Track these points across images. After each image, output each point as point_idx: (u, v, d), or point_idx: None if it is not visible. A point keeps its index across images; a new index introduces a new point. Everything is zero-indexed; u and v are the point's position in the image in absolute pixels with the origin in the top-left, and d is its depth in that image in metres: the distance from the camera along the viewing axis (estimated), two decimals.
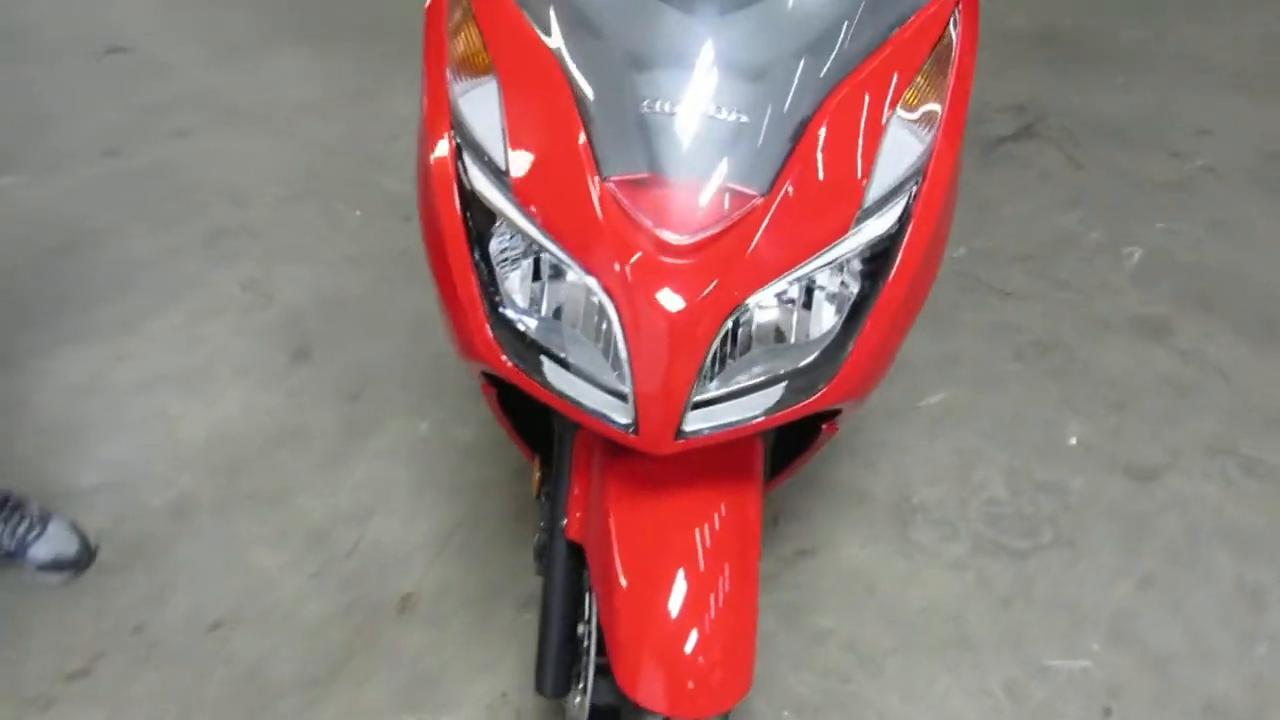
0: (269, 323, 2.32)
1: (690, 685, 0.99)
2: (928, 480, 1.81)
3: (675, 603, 1.02)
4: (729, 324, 0.95)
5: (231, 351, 2.23)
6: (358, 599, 1.63)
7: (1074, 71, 3.25)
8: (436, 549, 1.71)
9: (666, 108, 0.98)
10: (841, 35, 1.05)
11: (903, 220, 1.01)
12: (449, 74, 1.07)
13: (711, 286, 0.93)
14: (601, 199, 0.95)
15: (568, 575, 1.15)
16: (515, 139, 1.00)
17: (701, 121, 0.97)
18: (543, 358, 0.98)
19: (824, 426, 1.36)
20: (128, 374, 2.18)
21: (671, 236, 0.93)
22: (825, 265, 0.97)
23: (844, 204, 0.98)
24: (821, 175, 0.98)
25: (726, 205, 0.95)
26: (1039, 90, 3.14)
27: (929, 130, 1.06)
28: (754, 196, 0.96)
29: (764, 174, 0.97)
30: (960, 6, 1.14)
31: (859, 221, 0.98)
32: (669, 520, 1.08)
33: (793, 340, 1.01)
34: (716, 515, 1.09)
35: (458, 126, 1.03)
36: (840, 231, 0.98)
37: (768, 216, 0.95)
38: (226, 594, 1.64)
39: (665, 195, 0.95)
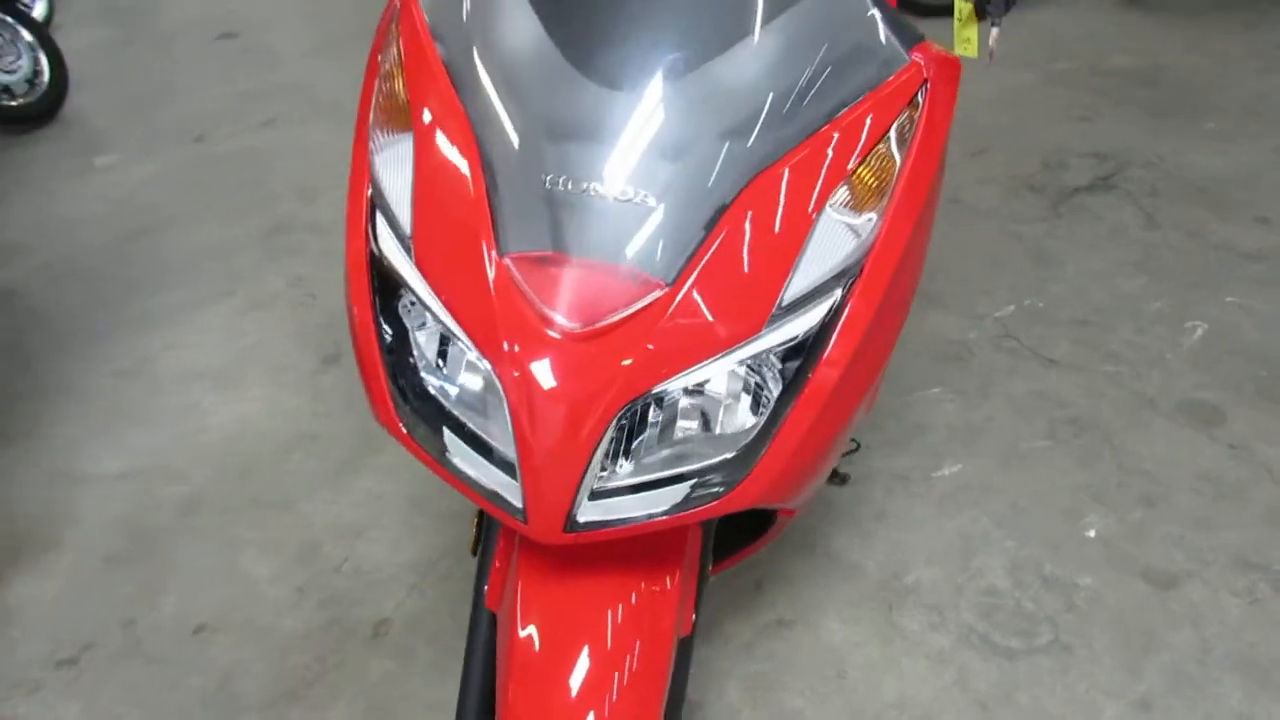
0: (308, 322, 2.40)
1: None
2: (925, 560, 1.73)
3: (575, 681, 1.00)
4: (621, 418, 0.91)
5: (268, 349, 2.32)
6: (335, 618, 1.67)
7: (1170, 119, 3.02)
8: (418, 576, 1.74)
9: (570, 185, 0.94)
10: (779, 115, 0.98)
11: (833, 317, 0.95)
12: (371, 126, 1.06)
13: (605, 377, 0.89)
14: (497, 275, 0.92)
15: (488, 644, 1.15)
16: (421, 204, 0.98)
17: (607, 202, 0.93)
18: (446, 431, 0.96)
19: (779, 512, 1.31)
20: (172, 364, 2.30)
21: (565, 321, 0.90)
22: (737, 363, 0.93)
23: (759, 300, 0.93)
24: (735, 267, 0.93)
25: (627, 293, 0.91)
26: (1127, 137, 2.93)
27: (871, 220, 0.98)
28: (658, 285, 0.91)
29: (670, 262, 0.92)
30: (929, 82, 1.05)
31: (775, 320, 0.93)
32: (580, 596, 1.05)
33: (718, 433, 0.97)
34: (634, 594, 1.06)
35: (373, 183, 1.02)
36: (753, 330, 0.92)
37: (671, 308, 0.91)
38: (215, 598, 1.71)
39: (563, 277, 0.91)
